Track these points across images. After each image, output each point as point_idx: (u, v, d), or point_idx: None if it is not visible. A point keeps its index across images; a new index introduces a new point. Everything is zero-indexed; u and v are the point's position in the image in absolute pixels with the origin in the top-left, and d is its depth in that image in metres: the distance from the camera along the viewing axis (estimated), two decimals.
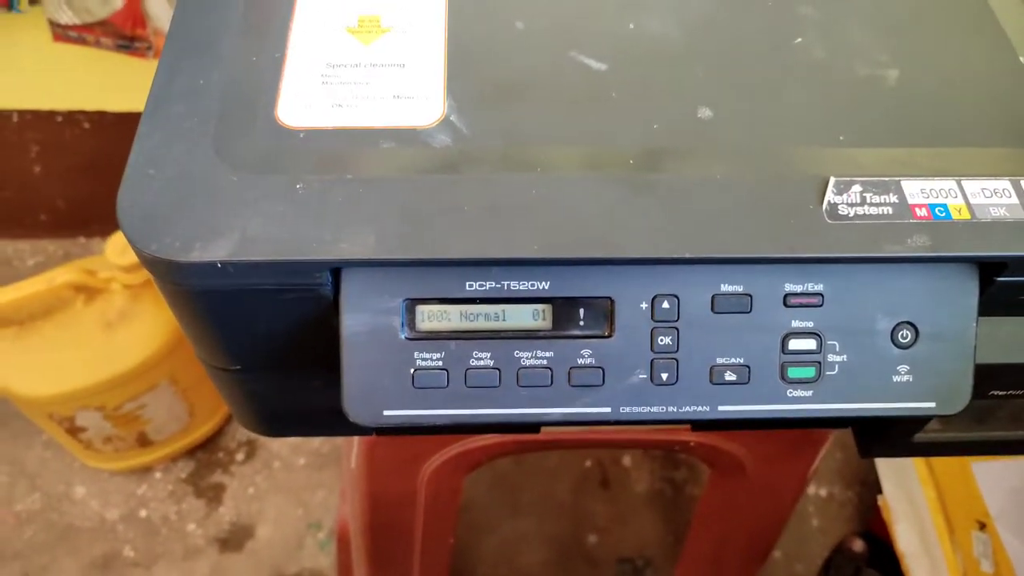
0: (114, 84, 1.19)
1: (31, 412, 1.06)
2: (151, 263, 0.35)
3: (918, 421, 0.46)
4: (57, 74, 1.18)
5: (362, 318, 0.36)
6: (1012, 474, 1.02)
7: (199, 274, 0.35)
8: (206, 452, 1.24)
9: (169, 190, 0.36)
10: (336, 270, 0.36)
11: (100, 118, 1.25)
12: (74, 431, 1.08)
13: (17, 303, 0.96)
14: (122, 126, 1.25)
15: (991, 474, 1.02)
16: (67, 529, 1.17)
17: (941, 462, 1.02)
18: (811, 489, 1.22)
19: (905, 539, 1.01)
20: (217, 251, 0.34)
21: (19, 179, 1.35)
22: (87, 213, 1.42)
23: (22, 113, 1.24)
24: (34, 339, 0.99)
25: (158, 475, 1.22)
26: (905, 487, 1.04)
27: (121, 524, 1.17)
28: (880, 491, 1.05)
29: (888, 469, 1.06)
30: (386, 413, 0.37)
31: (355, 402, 0.37)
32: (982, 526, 0.97)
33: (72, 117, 1.25)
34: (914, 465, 1.03)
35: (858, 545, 1.10)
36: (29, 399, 1.01)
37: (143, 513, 1.18)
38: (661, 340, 0.37)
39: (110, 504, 1.19)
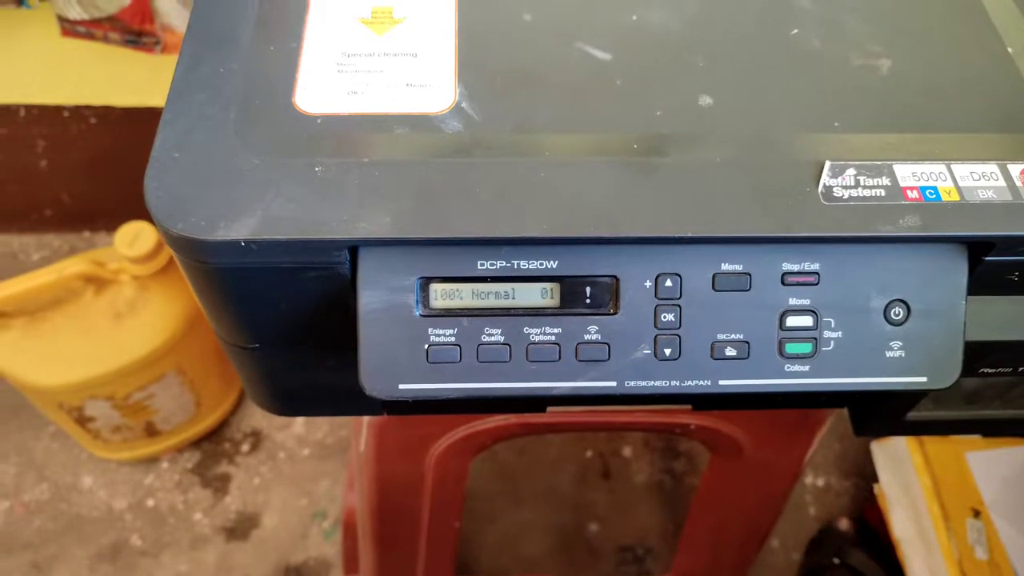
0: (121, 79, 1.20)
1: (41, 402, 1.08)
2: (177, 242, 0.37)
3: (911, 399, 0.48)
4: (65, 69, 1.19)
5: (378, 295, 0.38)
6: (1006, 463, 1.04)
7: (223, 252, 0.36)
8: (212, 443, 1.25)
9: (194, 172, 0.38)
10: (353, 249, 0.37)
11: (107, 113, 1.26)
12: (83, 421, 1.09)
13: (27, 294, 0.97)
14: (128, 121, 1.26)
15: (985, 463, 1.04)
16: (75, 519, 1.18)
17: (936, 451, 1.04)
18: (808, 479, 1.24)
19: (901, 526, 1.03)
20: (241, 230, 0.36)
21: (25, 173, 1.36)
22: (92, 208, 1.43)
23: (29, 108, 1.25)
24: (44, 329, 1.00)
25: (165, 465, 1.23)
26: (901, 476, 1.06)
27: (129, 514, 1.19)
28: (876, 481, 1.07)
29: (884, 458, 1.08)
30: (401, 387, 0.39)
31: (371, 376, 0.39)
32: (976, 513, 0.99)
33: (79, 112, 1.26)
34: (910, 454, 1.05)
35: (844, 524, 1.12)
36: (39, 388, 1.02)
37: (150, 503, 1.20)
38: (664, 317, 0.39)
39: (118, 494, 1.21)
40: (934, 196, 0.38)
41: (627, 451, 1.27)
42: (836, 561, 1.11)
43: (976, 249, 0.39)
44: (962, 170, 0.39)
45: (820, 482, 1.24)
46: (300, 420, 1.28)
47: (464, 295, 0.39)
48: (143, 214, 1.01)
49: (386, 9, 0.45)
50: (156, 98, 1.21)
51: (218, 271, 0.38)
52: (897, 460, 1.06)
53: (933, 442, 1.05)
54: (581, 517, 1.21)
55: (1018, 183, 0.39)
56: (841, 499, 1.23)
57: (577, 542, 1.19)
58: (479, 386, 0.39)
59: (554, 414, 0.57)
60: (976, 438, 1.08)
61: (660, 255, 0.39)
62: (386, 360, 0.38)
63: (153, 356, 1.03)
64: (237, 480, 1.22)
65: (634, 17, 0.45)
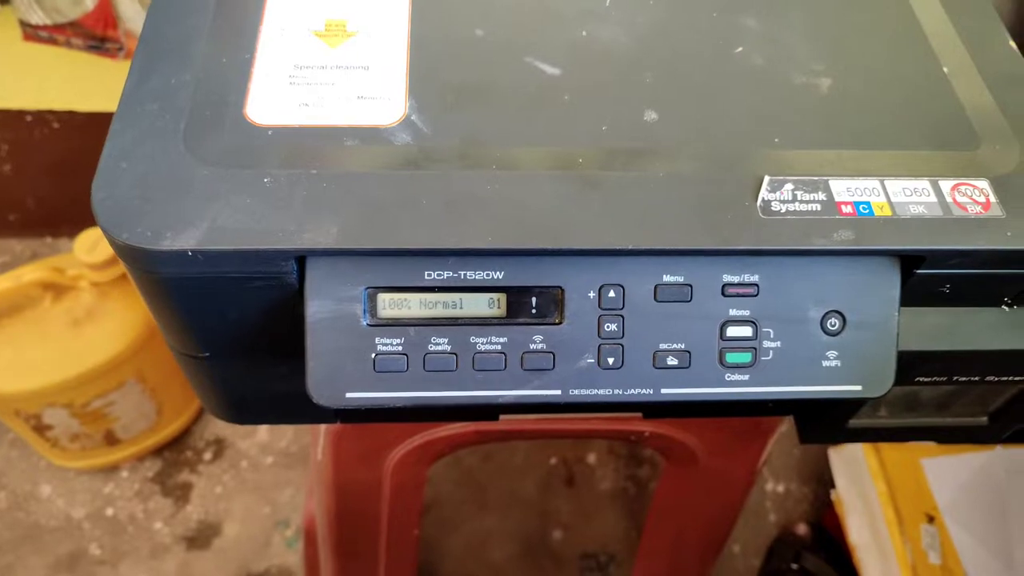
0: (84, 84, 1.19)
1: None
2: (124, 251, 0.37)
3: (851, 407, 0.49)
4: (27, 74, 1.18)
5: (325, 305, 0.38)
6: (960, 470, 1.07)
7: (170, 262, 0.37)
8: (173, 451, 1.24)
9: (142, 182, 0.38)
10: (301, 259, 0.38)
11: (70, 118, 1.25)
12: (41, 429, 1.08)
13: None
14: (92, 126, 1.25)
15: (940, 469, 1.06)
16: (33, 528, 1.17)
17: (892, 458, 1.06)
18: (768, 485, 1.26)
19: (857, 532, 1.05)
20: (187, 240, 0.36)
21: None
22: (55, 213, 1.42)
23: None
24: (1, 336, 0.99)
25: (125, 474, 1.22)
26: (857, 482, 1.08)
27: (87, 522, 1.17)
28: (834, 487, 1.09)
29: (841, 464, 1.10)
30: (348, 395, 0.39)
31: (319, 385, 0.39)
32: (931, 519, 1.01)
33: (42, 117, 1.25)
34: (866, 461, 1.07)
35: (801, 529, 1.14)
36: None
37: (110, 512, 1.18)
38: (608, 327, 0.40)
39: (76, 503, 1.19)
40: (867, 211, 0.40)
41: (591, 458, 1.28)
42: (794, 566, 1.13)
43: (908, 262, 0.40)
44: (895, 186, 0.41)
45: (780, 488, 1.26)
46: (264, 428, 1.27)
47: (411, 305, 0.39)
48: None
49: (340, 22, 0.46)
50: None
51: (166, 281, 0.38)
52: (854, 466, 1.08)
53: (889, 448, 1.07)
54: (545, 524, 1.21)
55: (948, 199, 0.40)
56: (800, 505, 1.25)
57: (541, 549, 1.19)
58: (426, 395, 0.39)
59: (508, 422, 0.58)
60: (931, 444, 1.11)
61: (604, 266, 0.39)
62: (333, 369, 0.39)
63: (112, 363, 1.02)
64: (199, 488, 1.21)
65: (584, 33, 0.46)
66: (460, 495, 1.22)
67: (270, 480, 1.22)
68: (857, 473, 1.08)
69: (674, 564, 0.90)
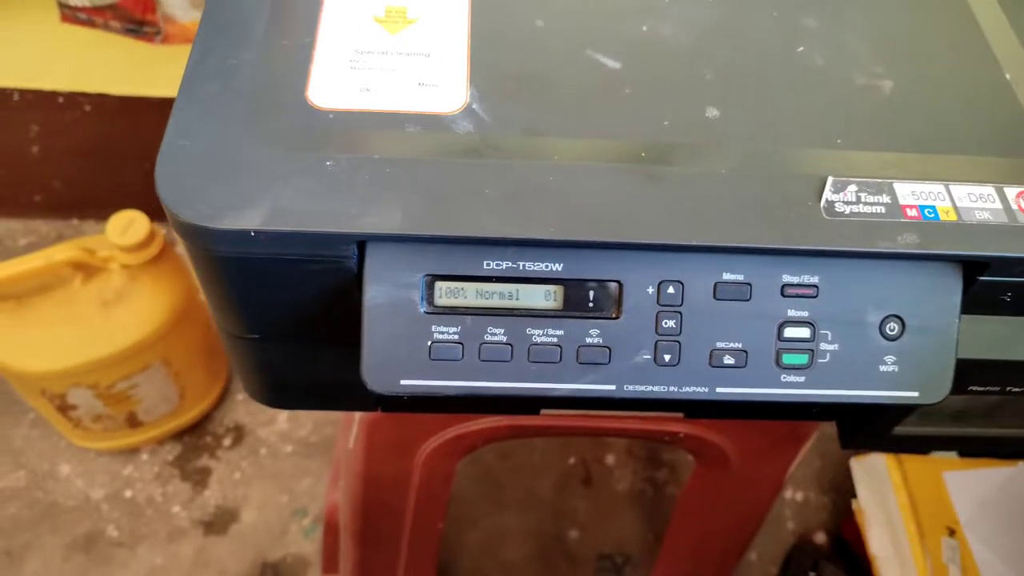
0: (119, 68, 1.19)
1: (23, 388, 1.07)
2: (185, 229, 0.37)
3: (900, 413, 0.49)
4: (62, 55, 1.18)
5: (384, 291, 0.38)
6: (981, 483, 1.06)
7: (231, 241, 0.36)
8: (194, 436, 1.24)
9: (204, 161, 0.38)
10: (361, 243, 0.38)
11: (102, 101, 1.25)
12: (65, 408, 1.08)
13: (15, 278, 0.97)
14: (124, 111, 1.25)
15: (962, 482, 1.06)
16: (51, 507, 1.17)
17: (914, 469, 1.06)
18: (788, 493, 1.25)
19: (877, 543, 1.04)
20: (249, 220, 0.36)
21: (16, 158, 1.35)
22: (82, 196, 1.42)
23: (23, 92, 1.24)
24: (30, 315, 0.99)
25: (145, 457, 1.22)
26: (879, 493, 1.07)
27: (105, 504, 1.18)
28: (854, 497, 1.08)
29: (862, 475, 1.09)
30: (403, 382, 0.39)
31: (373, 371, 0.39)
32: (952, 532, 1.01)
33: (73, 99, 1.25)
34: (888, 472, 1.06)
35: (819, 538, 1.14)
36: (23, 374, 1.01)
37: (128, 494, 1.19)
38: (665, 323, 0.39)
39: (95, 484, 1.19)
40: (932, 215, 0.39)
41: (610, 459, 1.27)
42: (812, 575, 1.12)
43: (971, 268, 0.40)
44: (960, 191, 0.40)
45: (799, 496, 1.25)
46: (284, 416, 1.27)
47: (468, 294, 0.39)
48: (134, 203, 1.00)
49: (400, 9, 0.46)
50: (153, 88, 1.21)
51: (224, 260, 0.38)
52: (875, 477, 1.08)
53: (911, 460, 1.06)
54: (561, 523, 1.21)
55: (1014, 206, 0.40)
56: (819, 514, 1.24)
57: (557, 548, 1.19)
58: (480, 384, 0.39)
59: (546, 417, 0.58)
60: (954, 458, 1.10)
61: (663, 262, 0.39)
62: (389, 355, 0.39)
63: (139, 346, 1.02)
64: (217, 474, 1.21)
65: (644, 28, 0.46)
66: (477, 493, 1.22)
67: (289, 469, 1.22)
68: (879, 484, 1.07)
69: (695, 567, 0.90)
